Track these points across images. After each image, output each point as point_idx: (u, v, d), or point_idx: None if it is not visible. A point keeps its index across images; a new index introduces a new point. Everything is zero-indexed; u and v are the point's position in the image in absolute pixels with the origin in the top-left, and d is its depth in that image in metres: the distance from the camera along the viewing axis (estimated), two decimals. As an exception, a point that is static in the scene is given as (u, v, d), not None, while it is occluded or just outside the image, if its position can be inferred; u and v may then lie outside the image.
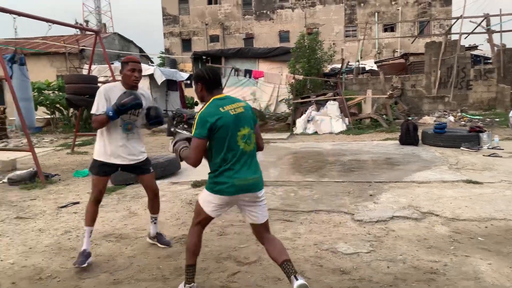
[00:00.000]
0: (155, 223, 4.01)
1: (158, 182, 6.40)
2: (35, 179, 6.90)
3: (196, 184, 6.18)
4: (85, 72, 16.69)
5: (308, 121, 12.12)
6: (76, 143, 10.88)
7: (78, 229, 4.50)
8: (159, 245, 3.95)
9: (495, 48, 17.52)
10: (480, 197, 5.01)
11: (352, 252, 3.65)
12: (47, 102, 15.07)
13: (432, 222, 4.31)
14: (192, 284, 2.95)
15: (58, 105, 15.37)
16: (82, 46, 18.46)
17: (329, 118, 11.96)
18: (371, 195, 5.29)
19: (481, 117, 13.89)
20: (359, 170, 6.82)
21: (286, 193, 5.60)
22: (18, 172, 7.13)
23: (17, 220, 4.93)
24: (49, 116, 16.03)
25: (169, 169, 6.77)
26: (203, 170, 7.15)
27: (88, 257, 3.57)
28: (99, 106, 3.56)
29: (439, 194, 5.20)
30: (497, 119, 13.21)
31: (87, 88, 8.44)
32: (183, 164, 7.27)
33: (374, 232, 4.10)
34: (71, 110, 14.79)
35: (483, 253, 3.53)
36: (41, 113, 15.24)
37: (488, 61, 20.97)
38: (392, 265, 3.38)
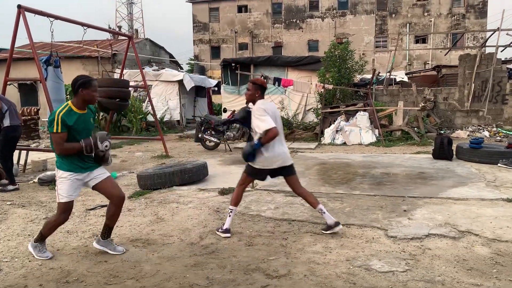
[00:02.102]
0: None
1: (185, 188, 6.42)
2: (65, 180, 6.96)
3: (223, 192, 6.10)
4: (116, 76, 17.01)
5: (337, 131, 11.92)
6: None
7: (106, 233, 4.46)
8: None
9: (533, 62, 16.90)
10: (522, 218, 4.74)
11: (387, 271, 3.47)
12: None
13: (472, 242, 4.08)
14: None
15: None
16: (114, 50, 18.81)
17: (358, 129, 11.72)
18: (405, 211, 5.08)
19: (517, 133, 13.37)
20: (391, 184, 6.59)
21: (315, 204, 5.44)
22: (48, 173, 7.22)
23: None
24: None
25: (196, 175, 6.71)
26: (231, 178, 7.09)
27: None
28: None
29: (478, 213, 4.95)
30: (535, 136, 12.68)
31: (118, 92, 8.53)
32: (211, 171, 7.26)
33: (409, 250, 3.91)
34: (101, 113, 15.02)
35: (529, 279, 3.30)
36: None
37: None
38: (431, 286, 3.19)
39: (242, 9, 37.81)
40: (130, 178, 7.47)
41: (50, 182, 6.83)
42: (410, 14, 33.90)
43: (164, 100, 17.93)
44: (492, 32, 17.30)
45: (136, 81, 16.60)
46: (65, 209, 3.67)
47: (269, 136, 3.93)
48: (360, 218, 4.86)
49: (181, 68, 28.73)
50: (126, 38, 11.09)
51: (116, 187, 3.86)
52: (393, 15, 34.28)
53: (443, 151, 8.60)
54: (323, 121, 12.65)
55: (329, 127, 12.21)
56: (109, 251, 3.87)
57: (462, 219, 4.74)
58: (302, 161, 8.87)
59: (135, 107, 15.31)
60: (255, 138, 4.11)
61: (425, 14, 33.61)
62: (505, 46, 17.41)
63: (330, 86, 12.89)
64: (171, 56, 25.76)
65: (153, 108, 10.77)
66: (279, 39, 36.78)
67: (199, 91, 20.21)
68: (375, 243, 4.11)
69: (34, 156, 9.29)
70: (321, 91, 12.96)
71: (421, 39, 34.02)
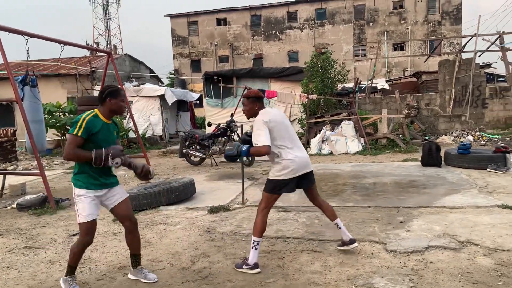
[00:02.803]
0: None
1: (172, 208, 6.17)
2: (45, 204, 6.66)
3: (213, 210, 5.87)
4: (95, 93, 16.65)
5: (323, 141, 11.83)
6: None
7: (91, 261, 4.20)
8: None
9: (510, 66, 17.22)
10: (521, 225, 4.65)
11: (391, 289, 3.31)
12: (58, 124, 14.94)
13: (473, 253, 3.96)
14: None
15: (68, 127, 15.24)
16: (93, 67, 18.46)
17: (344, 138, 11.65)
18: (401, 222, 4.95)
19: (500, 137, 13.51)
20: (383, 194, 6.48)
21: (309, 219, 5.28)
22: (27, 197, 6.89)
23: (26, 250, 4.66)
24: (59, 138, 15.90)
25: (184, 194, 6.48)
26: (220, 194, 6.87)
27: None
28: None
29: (475, 221, 4.85)
30: (518, 138, 12.82)
31: (99, 110, 8.26)
32: (198, 187, 7.04)
33: (411, 265, 3.76)
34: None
35: (538, 290, 3.18)
36: (51, 135, 15.12)
37: (501, 79, 20.67)
38: (439, 304, 3.04)
39: (221, 22, 37.85)
40: (114, 199, 7.17)
41: (29, 207, 6.51)
42: (387, 23, 34.43)
43: (145, 115, 17.63)
44: (470, 37, 17.61)
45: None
46: (88, 230, 3.35)
47: (259, 150, 3.62)
48: (357, 232, 4.70)
49: (162, 83, 28.44)
50: (105, 54, 10.84)
51: (129, 210, 3.60)
52: (371, 24, 34.75)
53: (431, 158, 8.56)
54: (308, 131, 12.56)
55: (314, 137, 12.11)
56: (141, 280, 3.63)
57: (460, 228, 4.62)
58: (290, 173, 8.70)
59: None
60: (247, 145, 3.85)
61: (402, 22, 34.18)
62: (483, 51, 17.72)
63: (314, 96, 12.84)
64: (151, 71, 25.48)
65: (134, 124, 10.51)
66: (259, 51, 36.88)
67: (181, 105, 19.97)
68: (375, 258, 3.96)
69: (11, 179, 8.91)
70: (305, 102, 12.89)
71: (399, 47, 34.54)
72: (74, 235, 5.14)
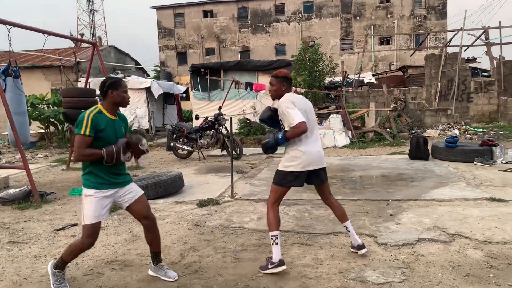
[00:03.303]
0: None
1: (160, 201, 6.09)
2: (29, 198, 6.50)
3: (202, 204, 5.81)
4: (80, 85, 16.36)
5: (311, 134, 11.81)
6: (72, 158, 10.48)
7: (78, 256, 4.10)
8: None
9: (495, 61, 17.43)
10: (509, 217, 4.69)
11: (384, 282, 3.30)
12: (42, 116, 14.63)
13: (463, 245, 3.97)
14: None
15: (52, 119, 14.94)
16: (78, 59, 18.14)
17: (332, 132, 11.66)
18: (391, 215, 4.96)
19: (485, 130, 13.68)
20: (372, 187, 6.49)
21: (299, 212, 5.25)
22: (11, 191, 6.72)
23: (9, 245, 4.53)
24: (43, 131, 15.60)
25: (172, 187, 6.39)
26: (208, 188, 6.80)
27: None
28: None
29: (464, 214, 4.88)
30: (502, 132, 12.99)
31: (85, 102, 8.08)
32: (186, 181, 6.95)
33: (402, 258, 3.76)
34: (66, 124, 14.35)
35: (528, 282, 3.20)
36: (35, 128, 14.82)
37: (485, 73, 20.93)
38: (431, 297, 3.03)
39: (207, 14, 37.52)
40: (101, 192, 7.05)
41: (12, 201, 6.35)
42: (374, 16, 34.53)
43: (131, 108, 17.39)
44: (456, 32, 17.74)
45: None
46: (90, 233, 3.15)
47: (295, 131, 3.36)
48: (347, 225, 4.68)
49: (148, 75, 28.13)
50: (90, 45, 10.62)
51: (146, 208, 3.40)
52: (358, 18, 34.82)
53: (419, 151, 8.61)
54: (296, 125, 12.52)
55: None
56: (161, 277, 3.49)
57: (449, 221, 4.65)
58: (279, 166, 8.67)
59: (101, 117, 14.71)
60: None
61: (388, 16, 34.32)
62: (469, 46, 17.89)
63: (302, 90, 12.81)
64: (136, 63, 25.17)
65: (121, 118, 10.33)
66: (246, 44, 36.69)
67: (168, 98, 19.76)
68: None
69: (-6, 173, 8.70)
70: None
71: (385, 41, 34.70)
72: (60, 229, 5.03)
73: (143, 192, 3.45)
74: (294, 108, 3.41)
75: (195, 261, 3.88)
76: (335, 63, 14.62)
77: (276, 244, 3.53)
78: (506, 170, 7.13)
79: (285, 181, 3.58)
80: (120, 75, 18.79)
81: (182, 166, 9.47)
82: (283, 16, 36.00)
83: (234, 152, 9.67)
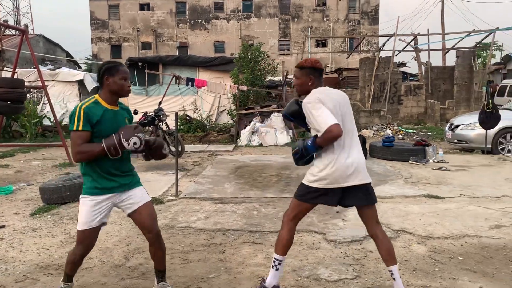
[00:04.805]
0: None
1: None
2: None
3: (144, 202, 5.53)
4: (7, 74, 15.08)
5: (253, 132, 11.81)
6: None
7: (7, 261, 3.72)
8: None
9: (423, 66, 18.56)
10: (446, 213, 4.94)
11: (337, 279, 3.31)
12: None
13: (408, 241, 4.11)
14: None
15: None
16: (2, 47, 16.74)
17: (274, 130, 11.73)
18: (337, 212, 5.02)
19: (414, 131, 14.48)
20: (317, 184, 6.57)
21: (248, 211, 5.17)
22: None
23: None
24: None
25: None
26: (149, 186, 6.49)
27: None
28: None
29: (406, 210, 5.07)
30: (430, 133, 13.83)
31: (12, 93, 7.40)
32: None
33: (352, 254, 3.81)
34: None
35: (470, 275, 3.36)
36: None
37: (412, 78, 22.24)
38: (384, 293, 3.08)
39: (144, 7, 36.35)
40: (30, 191, 6.50)
41: None
42: (311, 19, 35.42)
43: (62, 102, 16.35)
44: (389, 37, 18.64)
45: (29, 81, 14.90)
46: (81, 239, 2.78)
47: (327, 136, 2.62)
48: (296, 223, 4.68)
49: (80, 68, 26.65)
50: (19, 32, 9.80)
51: (149, 219, 2.88)
52: (295, 19, 35.52)
53: (358, 150, 8.86)
54: (238, 123, 12.46)
55: (244, 128, 12.05)
56: None
57: (393, 217, 4.80)
58: (223, 164, 8.55)
59: (29, 110, 13.69)
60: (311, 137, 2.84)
61: (325, 19, 35.37)
62: (400, 51, 18.87)
63: (245, 88, 12.76)
64: (68, 54, 23.75)
65: (53, 111, 9.66)
66: (184, 39, 36.04)
67: (102, 92, 18.83)
68: (316, 249, 3.95)
69: None
70: (236, 93, 12.77)
71: (321, 43, 35.73)
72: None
73: (149, 199, 2.95)
74: (322, 108, 2.68)
75: (141, 264, 3.66)
76: (276, 62, 14.74)
77: (277, 269, 2.94)
78: (438, 169, 7.55)
79: (307, 196, 2.85)
80: (49, 67, 17.61)
81: (120, 164, 9.02)
82: (223, 14, 35.81)
83: (174, 150, 9.38)
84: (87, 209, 2.73)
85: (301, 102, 2.88)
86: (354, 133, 2.87)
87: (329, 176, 2.73)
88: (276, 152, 10.58)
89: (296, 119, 3.01)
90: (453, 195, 5.74)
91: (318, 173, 2.77)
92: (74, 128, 2.62)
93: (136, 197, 2.87)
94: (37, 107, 15.26)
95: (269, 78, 15.73)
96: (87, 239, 2.78)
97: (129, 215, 2.88)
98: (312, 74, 2.87)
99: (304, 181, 2.87)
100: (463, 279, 3.30)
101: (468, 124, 9.73)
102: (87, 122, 2.63)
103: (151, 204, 2.94)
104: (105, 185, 2.75)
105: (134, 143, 2.66)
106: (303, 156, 2.86)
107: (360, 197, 2.81)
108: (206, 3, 35.81)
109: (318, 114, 2.67)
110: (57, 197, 5.48)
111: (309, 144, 2.75)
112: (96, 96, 2.78)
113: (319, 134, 2.67)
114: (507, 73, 25.58)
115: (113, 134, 2.66)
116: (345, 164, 2.73)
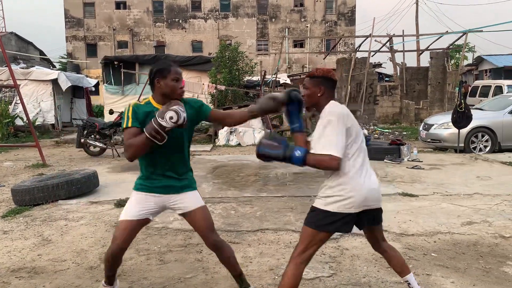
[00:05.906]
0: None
1: (73, 202, 5.61)
2: None
3: (120, 203, 5.43)
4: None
5: (231, 132, 11.80)
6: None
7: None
8: None
9: (398, 67, 18.89)
10: (420, 210, 5.05)
11: (313, 277, 3.35)
12: None
13: (383, 238, 4.18)
14: None
15: None
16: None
17: (252, 130, 11.75)
18: (315, 211, 5.06)
19: (390, 131, 14.73)
20: (295, 183, 6.61)
21: (225, 210, 5.16)
22: None
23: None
24: None
25: (86, 186, 5.92)
26: (126, 187, 6.41)
27: None
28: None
29: (381, 208, 5.15)
30: (405, 133, 14.09)
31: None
32: (101, 180, 6.48)
33: (328, 252, 3.85)
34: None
35: (442, 271, 3.44)
36: None
37: (387, 78, 22.68)
38: (360, 289, 3.12)
39: (120, 5, 35.79)
40: (1, 193, 6.34)
41: None
42: (289, 19, 35.60)
43: (35, 101, 15.95)
44: (365, 38, 18.89)
45: (0, 80, 14.51)
46: (117, 233, 2.76)
47: (321, 163, 2.36)
48: (273, 221, 4.70)
49: (54, 67, 26.09)
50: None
51: (207, 227, 2.82)
52: (273, 20, 35.64)
53: (335, 149, 8.95)
54: (216, 123, 12.42)
55: (222, 128, 12.02)
56: None
57: (369, 215, 4.86)
58: (201, 164, 8.51)
59: (0, 110, 13.33)
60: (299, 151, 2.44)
61: (302, 20, 35.60)
62: (376, 52, 19.15)
63: (223, 87, 12.74)
64: (41, 53, 23.21)
65: (25, 111, 9.42)
66: (161, 38, 35.68)
67: (76, 91, 18.46)
68: (293, 247, 3.96)
69: None
70: (213, 92, 12.73)
71: (299, 44, 35.96)
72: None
73: (201, 204, 2.84)
74: (340, 132, 2.37)
75: (117, 265, 3.60)
76: (254, 62, 14.76)
77: None
78: (413, 167, 7.70)
79: (325, 224, 2.47)
80: (22, 65, 17.17)
81: (95, 164, 8.87)
82: (200, 13, 35.62)
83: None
84: (132, 200, 2.82)
85: (297, 92, 2.57)
86: (366, 157, 2.58)
87: (357, 200, 2.44)
88: (254, 151, 10.58)
89: (292, 108, 2.58)
90: (426, 193, 5.87)
91: (343, 196, 2.44)
92: (124, 126, 2.62)
93: (188, 202, 2.81)
94: (9, 106, 14.86)
95: (247, 78, 15.74)
96: (123, 231, 2.75)
97: (182, 215, 2.86)
98: (323, 85, 2.56)
99: (319, 206, 2.53)
100: (436, 274, 3.37)
101: (441, 124, 9.97)
102: (135, 119, 2.61)
103: (203, 210, 2.85)
104: (156, 184, 2.78)
105: (171, 117, 2.47)
106: (278, 159, 2.49)
107: (374, 217, 2.64)
108: (183, 2, 35.55)
109: (331, 134, 2.36)
110: (30, 199, 5.35)
111: (296, 156, 2.41)
112: (150, 97, 2.76)
113: (314, 150, 2.41)
114: (479, 74, 26.33)
115: (151, 120, 2.54)
116: (371, 187, 2.50)
